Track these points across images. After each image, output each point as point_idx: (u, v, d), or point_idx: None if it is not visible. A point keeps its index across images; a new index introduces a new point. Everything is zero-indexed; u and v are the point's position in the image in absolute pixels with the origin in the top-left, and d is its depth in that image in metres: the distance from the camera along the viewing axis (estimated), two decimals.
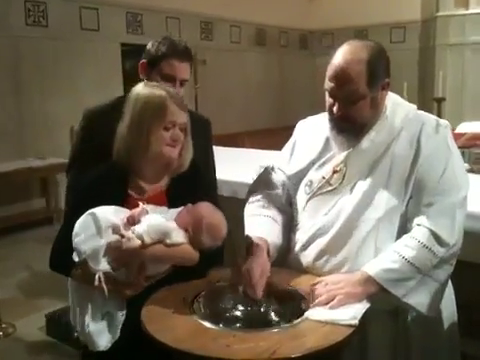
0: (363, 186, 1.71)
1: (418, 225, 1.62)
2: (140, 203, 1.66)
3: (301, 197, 1.87)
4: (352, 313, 1.44)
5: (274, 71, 9.81)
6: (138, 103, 1.75)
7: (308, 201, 1.84)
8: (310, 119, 2.03)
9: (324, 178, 1.80)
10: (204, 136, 2.30)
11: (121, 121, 1.80)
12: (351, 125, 1.71)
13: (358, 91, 1.64)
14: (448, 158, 1.69)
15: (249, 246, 1.72)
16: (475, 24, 8.50)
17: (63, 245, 1.67)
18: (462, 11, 8.64)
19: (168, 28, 7.58)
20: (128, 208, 1.69)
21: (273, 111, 9.72)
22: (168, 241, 1.58)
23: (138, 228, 1.58)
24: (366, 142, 1.73)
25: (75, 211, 1.68)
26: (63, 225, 1.80)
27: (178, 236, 1.60)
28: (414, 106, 1.82)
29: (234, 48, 8.90)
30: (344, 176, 1.76)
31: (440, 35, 8.82)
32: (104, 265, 1.58)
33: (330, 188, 1.78)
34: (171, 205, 1.74)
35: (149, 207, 1.66)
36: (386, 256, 1.61)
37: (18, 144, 6.20)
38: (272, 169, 2.01)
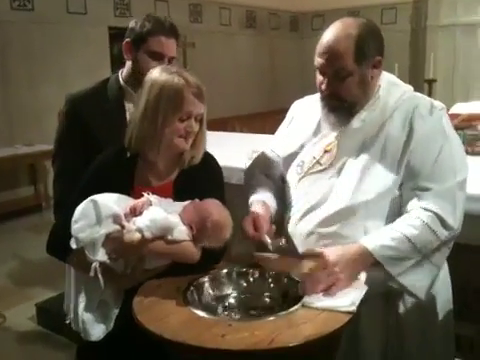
0: (353, 167, 1.67)
1: (422, 208, 1.58)
2: (144, 193, 1.60)
3: (293, 177, 1.85)
4: (350, 299, 1.39)
5: (264, 54, 9.72)
6: (153, 90, 1.65)
7: (299, 180, 1.81)
8: (306, 99, 2.00)
9: (315, 158, 1.77)
10: None
11: (135, 107, 1.73)
12: (341, 103, 1.68)
13: (346, 67, 1.61)
14: (444, 141, 1.63)
15: (252, 204, 1.80)
16: (466, 5, 8.46)
17: (62, 230, 1.61)
18: None
19: (156, 11, 7.47)
20: (133, 197, 1.63)
21: (263, 94, 9.64)
22: (169, 237, 1.53)
23: (139, 221, 1.52)
24: (357, 122, 1.69)
25: (82, 194, 1.62)
26: (62, 209, 1.74)
27: (180, 233, 1.55)
28: (410, 87, 1.77)
29: (224, 31, 8.80)
30: (335, 156, 1.73)
31: (431, 16, 8.74)
32: (101, 255, 1.53)
33: (320, 168, 1.75)
34: (177, 197, 1.68)
35: (154, 198, 1.60)
36: (387, 232, 1.57)
37: (5, 131, 6.11)
38: (266, 151, 2.02)
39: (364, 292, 1.44)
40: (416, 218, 1.57)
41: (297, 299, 1.42)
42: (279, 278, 1.57)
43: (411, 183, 1.62)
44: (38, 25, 6.19)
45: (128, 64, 2.08)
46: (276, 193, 1.90)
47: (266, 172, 1.98)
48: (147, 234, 1.50)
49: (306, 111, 1.92)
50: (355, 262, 1.52)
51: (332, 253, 1.52)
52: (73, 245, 1.56)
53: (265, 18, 9.80)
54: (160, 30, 2.01)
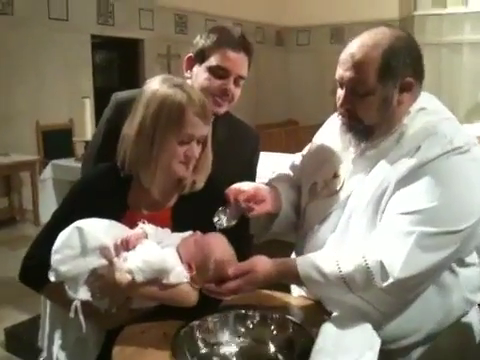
0: (356, 203, 1.48)
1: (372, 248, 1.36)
2: (139, 223, 1.41)
3: (304, 200, 1.69)
4: None
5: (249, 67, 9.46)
6: (152, 103, 1.44)
7: (307, 205, 1.65)
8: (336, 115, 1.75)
9: (325, 182, 1.60)
10: (249, 153, 1.97)
11: (129, 119, 1.51)
12: (357, 124, 1.47)
13: (366, 83, 1.40)
14: (447, 189, 1.33)
15: None
16: (452, 24, 8.43)
17: (39, 258, 1.41)
18: (439, 10, 8.56)
19: (141, 20, 7.29)
20: (125, 223, 1.43)
21: (248, 108, 9.44)
22: (164, 281, 1.34)
23: (131, 260, 1.32)
24: (371, 149, 1.49)
25: (61, 219, 1.42)
26: (43, 232, 1.53)
27: (177, 275, 1.35)
28: (445, 115, 1.47)
29: None
30: (342, 183, 1.54)
31: (417, 34, 8.66)
32: (84, 293, 1.33)
33: (327, 192, 1.58)
34: (176, 227, 1.48)
35: (149, 228, 1.41)
36: (323, 257, 1.42)
37: None
38: (287, 173, 1.86)
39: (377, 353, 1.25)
40: (360, 257, 1.36)
41: (306, 350, 1.23)
42: (284, 323, 1.37)
43: (388, 212, 1.40)
44: (17, 30, 5.93)
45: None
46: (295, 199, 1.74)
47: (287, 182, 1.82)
48: (138, 278, 1.31)
49: (330, 128, 1.72)
50: (277, 275, 1.42)
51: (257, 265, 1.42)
52: (52, 278, 1.35)
53: (251, 32, 9.66)
54: (227, 42, 1.74)
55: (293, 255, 1.74)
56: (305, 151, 1.85)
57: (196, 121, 1.45)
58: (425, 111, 1.46)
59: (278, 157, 3.50)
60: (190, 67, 1.81)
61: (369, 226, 1.42)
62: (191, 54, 1.81)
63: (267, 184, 1.75)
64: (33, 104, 6.00)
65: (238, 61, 1.75)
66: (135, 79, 7.53)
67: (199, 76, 1.76)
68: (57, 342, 1.46)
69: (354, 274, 1.34)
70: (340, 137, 1.57)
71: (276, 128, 7.92)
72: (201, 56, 1.76)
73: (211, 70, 1.74)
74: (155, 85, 1.47)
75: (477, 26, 8.34)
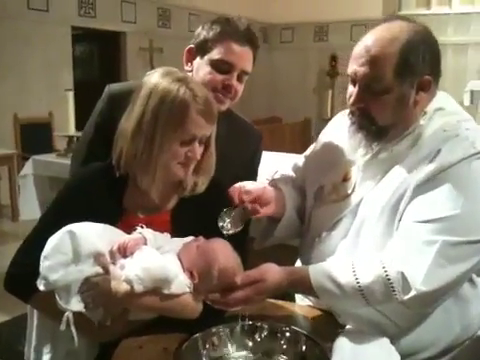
0: (369, 209, 1.38)
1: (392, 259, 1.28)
2: (137, 227, 1.29)
3: (310, 203, 1.59)
4: None
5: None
6: (153, 98, 1.32)
7: (313, 210, 1.55)
8: (344, 113, 1.62)
9: (333, 186, 1.50)
10: (250, 152, 1.86)
11: (127, 114, 1.39)
12: (369, 124, 1.37)
13: (382, 80, 1.31)
14: (468, 198, 1.25)
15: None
16: (437, 24, 8.43)
17: (26, 265, 1.29)
18: (424, 11, 8.58)
19: (123, 13, 7.11)
20: (120, 228, 1.32)
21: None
22: (165, 291, 1.22)
23: (129, 267, 1.21)
24: (384, 152, 1.40)
25: (51, 223, 1.30)
26: (31, 236, 1.41)
27: (179, 284, 1.24)
28: (464, 116, 1.40)
29: (193, 37, 8.50)
30: (353, 187, 1.44)
31: None
32: (76, 303, 1.22)
33: (336, 197, 1.47)
34: (176, 232, 1.37)
35: (148, 232, 1.29)
36: (338, 266, 1.33)
37: None
38: (290, 173, 1.76)
39: None
40: (380, 268, 1.27)
41: None
42: (294, 337, 1.28)
43: (405, 221, 1.31)
44: None
45: None
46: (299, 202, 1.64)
47: (290, 182, 1.72)
48: (138, 287, 1.19)
49: (337, 127, 1.61)
50: (288, 284, 1.33)
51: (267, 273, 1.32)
52: (41, 286, 1.24)
53: None
54: (231, 34, 1.62)
55: (298, 263, 1.64)
56: (309, 152, 1.75)
57: (199, 120, 1.34)
58: (443, 111, 1.38)
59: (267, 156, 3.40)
60: (191, 60, 1.70)
61: (384, 234, 1.33)
62: (192, 46, 1.69)
63: (271, 185, 1.65)
64: (11, 97, 5.79)
65: (243, 55, 1.64)
66: (116, 73, 7.35)
67: (200, 70, 1.64)
68: (46, 356, 1.35)
69: (373, 286, 1.25)
70: (349, 138, 1.48)
71: (260, 125, 7.80)
72: (203, 48, 1.64)
73: (214, 64, 1.62)
74: (156, 78, 1.36)
75: (460, 28, 8.38)
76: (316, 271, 1.32)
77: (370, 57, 1.31)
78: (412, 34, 1.31)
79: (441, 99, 1.41)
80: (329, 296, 1.30)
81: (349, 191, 1.45)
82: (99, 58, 7.73)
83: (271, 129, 7.66)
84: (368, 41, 1.33)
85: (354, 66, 1.35)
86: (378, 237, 1.34)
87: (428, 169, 1.29)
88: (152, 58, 7.47)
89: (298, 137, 8.06)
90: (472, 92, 7.30)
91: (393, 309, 1.28)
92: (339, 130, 1.58)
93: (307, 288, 1.32)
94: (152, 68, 6.79)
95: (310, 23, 9.36)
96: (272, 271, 1.32)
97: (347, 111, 1.49)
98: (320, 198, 1.54)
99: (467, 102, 7.21)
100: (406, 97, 1.34)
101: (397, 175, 1.35)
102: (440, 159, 1.29)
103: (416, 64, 1.31)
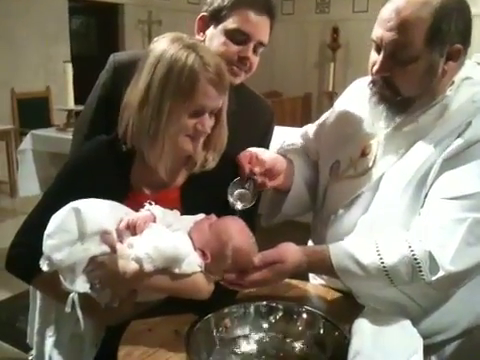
0: (393, 185, 1.31)
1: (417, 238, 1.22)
2: (146, 204, 1.23)
3: (324, 179, 1.52)
4: None
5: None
6: (160, 67, 1.24)
7: (328, 186, 1.48)
8: (363, 80, 1.53)
9: (351, 160, 1.42)
10: (262, 128, 1.77)
11: (133, 84, 1.31)
12: (393, 95, 1.30)
13: (412, 47, 1.22)
14: None
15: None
16: None
17: (29, 245, 1.23)
18: None
19: None
20: (128, 205, 1.26)
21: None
22: (176, 270, 1.16)
23: (138, 246, 1.15)
24: (409, 123, 1.32)
25: (54, 200, 1.23)
26: (33, 214, 1.35)
27: (191, 264, 1.18)
28: None
29: (192, 9, 8.27)
30: (372, 162, 1.37)
31: None
32: (82, 284, 1.16)
33: (353, 174, 1.40)
34: (185, 209, 1.31)
35: (157, 210, 1.23)
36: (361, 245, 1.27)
37: None
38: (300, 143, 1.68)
39: None
40: (407, 247, 1.21)
41: (339, 350, 1.09)
42: (311, 318, 1.22)
43: (432, 198, 1.25)
44: None
45: None
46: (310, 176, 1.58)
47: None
48: (148, 267, 1.14)
49: (355, 97, 1.53)
50: (308, 265, 1.27)
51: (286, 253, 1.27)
52: (44, 267, 1.18)
53: None
54: (249, 2, 1.50)
55: (310, 242, 1.58)
56: (322, 121, 1.66)
57: (210, 90, 1.26)
58: (471, 81, 1.31)
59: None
60: (203, 29, 1.59)
61: (409, 211, 1.27)
62: (205, 13, 1.58)
63: (280, 154, 1.57)
64: (7, 71, 5.67)
65: (261, 25, 1.53)
66: (114, 46, 7.20)
67: (214, 40, 1.54)
68: (49, 339, 1.30)
69: (399, 266, 1.19)
70: (370, 109, 1.40)
71: None
72: (217, 17, 1.53)
73: (229, 34, 1.52)
74: (164, 45, 1.27)
75: None
76: (337, 251, 1.26)
77: (400, 20, 1.22)
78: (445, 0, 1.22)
79: (469, 68, 1.33)
80: (351, 277, 1.25)
81: (369, 165, 1.38)
82: (97, 31, 7.56)
83: (272, 103, 7.59)
84: (399, 2, 1.23)
85: (380, 30, 1.26)
86: (402, 214, 1.28)
87: (457, 143, 1.23)
88: (151, 30, 7.33)
89: (299, 112, 7.96)
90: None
91: (418, 289, 1.23)
92: (357, 100, 1.50)
93: (327, 269, 1.27)
94: (150, 41, 6.69)
95: None
96: (291, 251, 1.27)
97: (365, 79, 1.42)
98: (336, 173, 1.47)
99: None
100: (435, 67, 1.26)
101: (423, 149, 1.28)
102: (470, 133, 1.22)
103: (448, 31, 1.23)
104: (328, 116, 1.64)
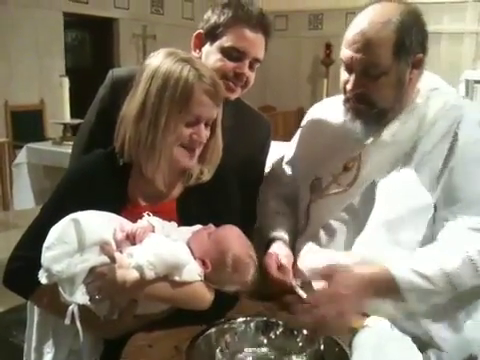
0: (381, 192, 1.36)
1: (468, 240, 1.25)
2: (144, 215, 1.24)
3: (306, 196, 1.53)
4: None
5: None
6: (155, 80, 1.27)
7: (310, 203, 1.49)
8: (326, 102, 1.65)
9: (332, 176, 1.45)
10: (259, 143, 1.79)
11: (129, 98, 1.34)
12: (369, 108, 1.36)
13: (381, 62, 1.31)
14: None
15: (269, 242, 1.50)
16: (432, 12, 8.37)
17: (27, 257, 1.23)
18: None
19: None
20: (125, 216, 1.27)
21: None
22: (177, 278, 1.17)
23: (138, 254, 1.16)
24: (387, 134, 1.38)
25: (52, 213, 1.24)
26: (31, 228, 1.35)
27: (191, 272, 1.20)
28: (454, 91, 1.48)
29: (186, 25, 8.35)
30: (356, 176, 1.40)
31: None
32: (81, 296, 1.16)
33: (338, 190, 1.43)
34: (182, 220, 1.32)
35: (155, 221, 1.24)
36: (419, 258, 1.27)
37: None
38: (280, 164, 1.72)
39: None
40: (461, 251, 1.24)
41: None
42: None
43: (450, 207, 1.30)
44: None
45: None
46: (293, 223, 1.58)
47: (280, 191, 1.66)
48: (149, 274, 1.14)
49: (326, 116, 1.59)
50: (371, 283, 1.23)
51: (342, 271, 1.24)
52: (43, 279, 1.18)
53: None
54: (244, 20, 1.54)
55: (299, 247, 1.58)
56: (295, 144, 1.71)
57: (205, 100, 1.29)
58: (438, 91, 1.41)
59: None
60: (199, 46, 1.62)
61: (421, 211, 1.31)
62: (201, 31, 1.61)
63: (275, 238, 1.55)
64: (1, 84, 5.68)
65: (256, 42, 1.56)
66: (109, 60, 7.24)
67: (210, 57, 1.57)
68: (47, 355, 1.29)
69: (460, 270, 1.21)
70: (346, 125, 1.44)
71: None
72: (213, 34, 1.56)
73: (224, 51, 1.55)
74: (158, 59, 1.31)
75: (456, 16, 8.30)
76: (397, 267, 1.24)
77: (366, 41, 1.30)
78: (405, 14, 1.32)
79: (430, 77, 1.44)
80: (417, 293, 1.23)
81: (353, 179, 1.42)
82: (91, 45, 7.59)
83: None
84: (362, 25, 1.31)
85: (349, 52, 1.33)
86: (412, 216, 1.31)
87: (461, 151, 1.32)
88: (145, 45, 7.37)
89: (292, 126, 8.01)
90: (467, 82, 7.27)
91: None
92: (330, 118, 1.56)
93: (389, 289, 1.23)
94: (145, 55, 6.72)
95: (304, 11, 9.26)
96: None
97: (330, 100, 1.54)
98: (320, 190, 1.49)
99: (462, 92, 7.18)
100: (403, 76, 1.35)
101: (420, 157, 1.35)
102: (464, 138, 1.32)
103: (411, 44, 1.32)
104: (298, 138, 1.70)
